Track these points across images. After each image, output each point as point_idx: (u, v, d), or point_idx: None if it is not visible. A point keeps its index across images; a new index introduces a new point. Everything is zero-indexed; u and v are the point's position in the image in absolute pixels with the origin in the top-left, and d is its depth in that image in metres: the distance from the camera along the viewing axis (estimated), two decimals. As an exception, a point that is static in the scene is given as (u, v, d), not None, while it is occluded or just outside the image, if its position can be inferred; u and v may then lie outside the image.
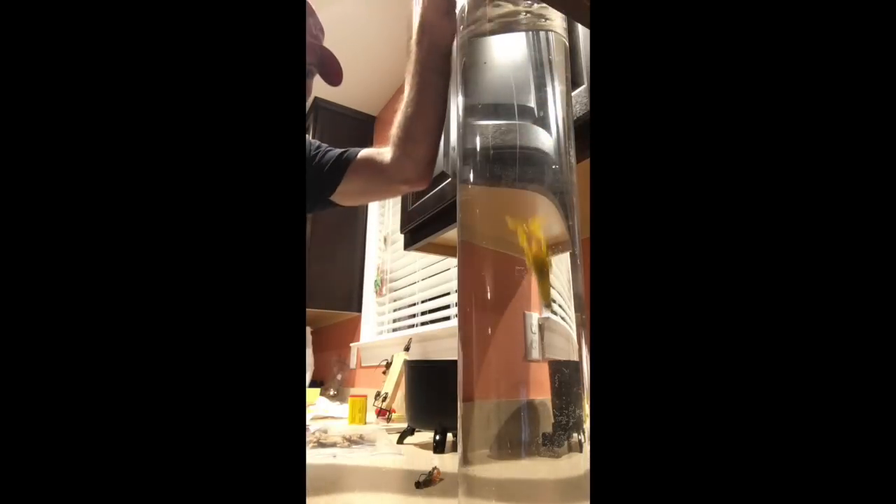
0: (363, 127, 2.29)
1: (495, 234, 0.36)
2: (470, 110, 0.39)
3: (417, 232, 0.98)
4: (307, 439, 0.92)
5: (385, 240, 2.05)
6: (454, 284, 1.39)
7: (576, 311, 0.33)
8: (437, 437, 0.78)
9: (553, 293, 0.33)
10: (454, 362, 0.34)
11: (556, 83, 0.38)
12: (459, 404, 0.33)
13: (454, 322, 1.31)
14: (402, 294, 1.83)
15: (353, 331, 2.08)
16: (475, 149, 0.37)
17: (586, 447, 0.31)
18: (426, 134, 0.63)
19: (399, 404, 1.24)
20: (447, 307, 1.54)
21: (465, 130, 0.38)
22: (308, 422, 1.30)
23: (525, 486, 0.29)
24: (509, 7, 0.39)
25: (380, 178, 0.69)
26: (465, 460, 0.32)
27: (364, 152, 0.72)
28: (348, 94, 2.10)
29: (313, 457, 0.73)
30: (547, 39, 0.39)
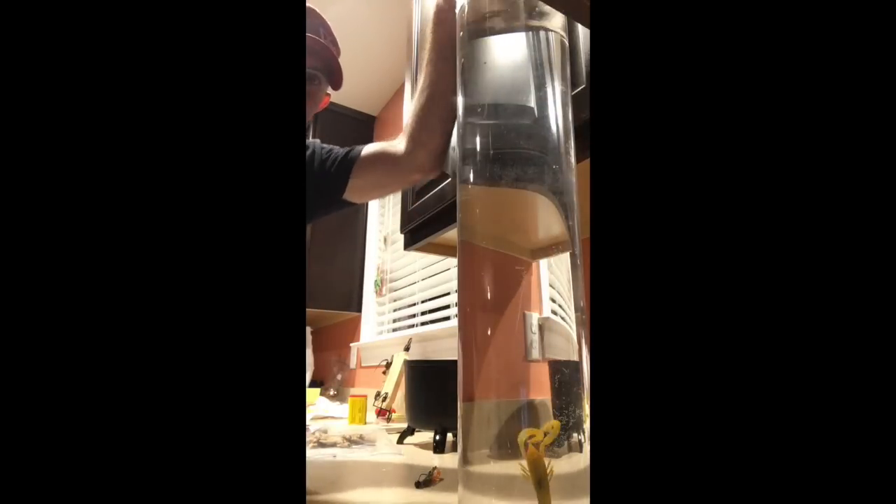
0: (363, 127, 2.30)
1: (495, 234, 0.36)
2: (470, 110, 0.39)
3: (417, 232, 0.97)
4: (307, 439, 0.92)
5: (385, 240, 2.05)
6: (454, 284, 1.39)
7: (576, 311, 0.33)
8: (437, 437, 0.78)
9: (553, 293, 0.33)
10: (454, 362, 0.34)
11: (556, 83, 0.38)
12: (459, 404, 0.33)
13: (454, 322, 1.31)
14: (402, 294, 1.83)
15: (353, 331, 2.08)
16: (475, 149, 0.37)
17: (586, 447, 0.31)
18: (441, 122, 0.64)
19: (399, 404, 1.24)
20: (447, 307, 1.54)
21: (465, 130, 0.38)
22: (308, 422, 1.30)
23: (525, 485, 0.29)
24: (509, 7, 0.39)
25: (395, 170, 0.70)
26: (465, 460, 0.32)
27: (371, 147, 0.73)
28: (348, 94, 2.10)
29: (313, 457, 0.73)
30: (547, 39, 0.39)
